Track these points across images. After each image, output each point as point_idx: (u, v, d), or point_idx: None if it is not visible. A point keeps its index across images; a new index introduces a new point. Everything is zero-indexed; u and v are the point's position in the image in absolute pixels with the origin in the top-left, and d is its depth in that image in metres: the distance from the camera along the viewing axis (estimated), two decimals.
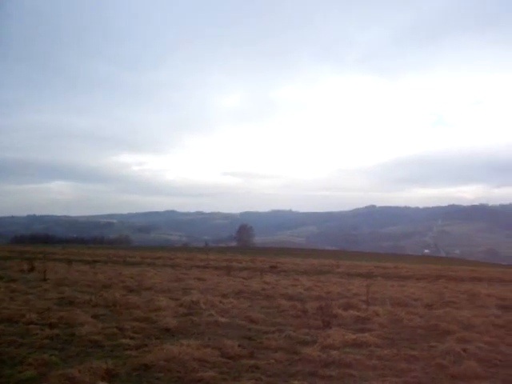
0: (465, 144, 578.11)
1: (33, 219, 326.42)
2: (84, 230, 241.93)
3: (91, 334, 10.93)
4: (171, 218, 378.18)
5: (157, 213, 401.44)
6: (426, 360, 9.90)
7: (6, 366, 8.56)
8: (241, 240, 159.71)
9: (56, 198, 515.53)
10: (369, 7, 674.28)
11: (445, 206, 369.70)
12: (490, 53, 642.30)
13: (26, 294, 17.63)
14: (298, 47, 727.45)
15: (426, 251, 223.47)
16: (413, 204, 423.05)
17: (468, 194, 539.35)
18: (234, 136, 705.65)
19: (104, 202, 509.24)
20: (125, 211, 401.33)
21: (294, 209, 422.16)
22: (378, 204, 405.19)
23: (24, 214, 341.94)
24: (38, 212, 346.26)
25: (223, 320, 13.54)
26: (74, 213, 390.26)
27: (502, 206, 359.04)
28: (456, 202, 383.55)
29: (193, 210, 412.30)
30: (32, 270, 28.06)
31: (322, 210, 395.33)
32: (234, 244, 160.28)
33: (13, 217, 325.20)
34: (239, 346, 10.38)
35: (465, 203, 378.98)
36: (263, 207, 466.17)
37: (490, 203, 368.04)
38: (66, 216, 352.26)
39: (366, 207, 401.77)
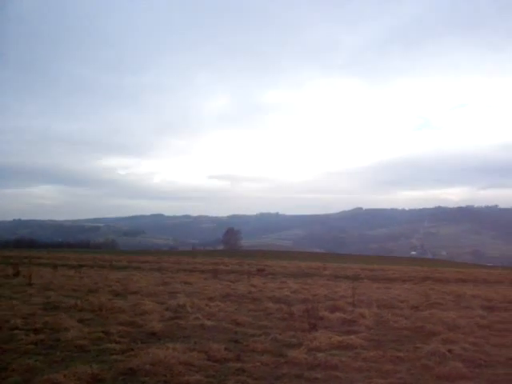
0: (450, 146, 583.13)
1: (18, 224, 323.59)
2: (70, 235, 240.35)
3: (77, 339, 10.86)
4: (158, 222, 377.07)
5: (143, 216, 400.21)
6: (412, 361, 9.95)
7: None
8: (228, 243, 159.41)
9: (41, 202, 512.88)
10: (355, 11, 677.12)
11: (431, 208, 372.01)
12: (474, 56, 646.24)
13: (11, 299, 17.48)
14: (284, 51, 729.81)
15: (413, 253, 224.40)
16: (399, 206, 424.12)
17: (454, 195, 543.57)
18: (221, 139, 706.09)
19: (90, 206, 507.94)
20: (111, 215, 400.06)
21: (281, 212, 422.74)
22: (365, 206, 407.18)
23: (9, 218, 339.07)
24: (23, 216, 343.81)
25: (209, 323, 13.53)
26: (60, 217, 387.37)
27: (488, 208, 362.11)
28: (442, 204, 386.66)
29: (180, 213, 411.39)
30: (17, 274, 27.87)
31: (308, 213, 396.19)
32: (221, 247, 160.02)
33: None
34: (225, 349, 10.37)
35: (451, 205, 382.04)
36: (250, 210, 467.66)
37: (476, 205, 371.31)
38: (51, 220, 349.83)
39: (352, 210, 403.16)
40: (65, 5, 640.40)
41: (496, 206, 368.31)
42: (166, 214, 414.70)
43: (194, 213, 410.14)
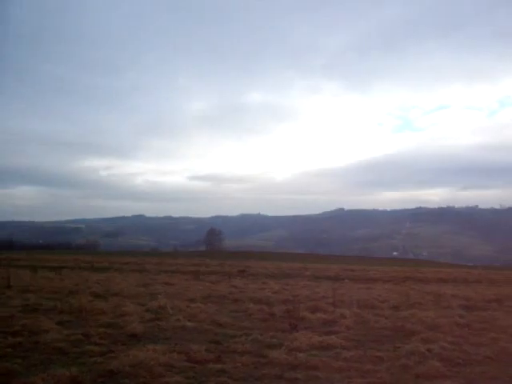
0: (431, 148, 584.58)
1: None
2: (50, 236, 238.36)
3: (56, 342, 10.78)
4: (139, 223, 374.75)
5: (125, 217, 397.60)
6: (392, 361, 10.01)
7: None
8: (209, 244, 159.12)
9: (21, 203, 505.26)
10: (335, 13, 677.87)
11: (412, 209, 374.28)
12: (454, 58, 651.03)
13: None
14: (266, 52, 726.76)
15: (395, 253, 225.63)
16: (381, 207, 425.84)
17: (435, 196, 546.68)
18: (203, 140, 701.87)
19: (71, 207, 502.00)
20: (92, 216, 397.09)
21: (263, 212, 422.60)
22: (347, 207, 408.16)
23: None
24: (2, 218, 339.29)
25: (190, 324, 13.51)
26: (40, 218, 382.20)
27: (468, 208, 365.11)
28: (423, 205, 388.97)
29: (161, 214, 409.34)
30: None
31: (290, 214, 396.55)
32: (202, 248, 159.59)
33: None
34: (206, 350, 10.36)
35: (432, 206, 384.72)
36: (232, 211, 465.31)
37: (457, 205, 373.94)
38: (31, 222, 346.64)
39: (334, 210, 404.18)
40: (43, 3, 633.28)
41: (476, 206, 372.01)
42: (148, 214, 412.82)
43: (176, 214, 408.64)
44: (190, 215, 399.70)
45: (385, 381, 8.65)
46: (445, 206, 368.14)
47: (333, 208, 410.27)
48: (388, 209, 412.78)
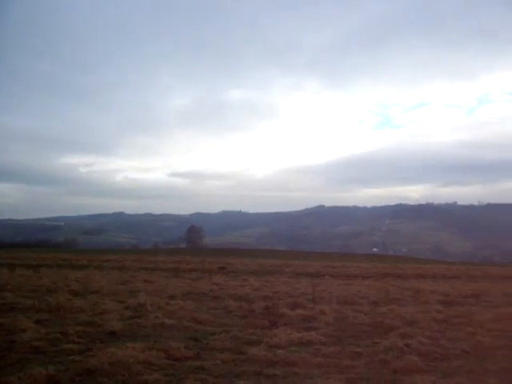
0: (411, 145, 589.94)
1: None
2: (30, 234, 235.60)
3: (33, 340, 10.67)
4: (120, 220, 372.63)
5: (105, 215, 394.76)
6: (370, 356, 10.09)
7: None
8: (190, 241, 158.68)
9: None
10: (316, 12, 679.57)
11: (392, 205, 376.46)
12: (435, 56, 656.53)
13: None
14: (247, 50, 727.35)
15: (375, 250, 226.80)
16: (361, 203, 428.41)
17: (415, 193, 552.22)
18: (183, 137, 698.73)
19: (51, 204, 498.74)
20: (72, 213, 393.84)
21: (244, 209, 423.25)
22: (328, 204, 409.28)
23: None
24: None
25: (169, 322, 13.46)
26: (20, 216, 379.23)
27: (447, 205, 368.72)
28: (403, 202, 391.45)
29: (142, 211, 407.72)
30: None
31: (271, 211, 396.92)
32: (183, 245, 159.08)
33: None
34: (185, 347, 10.33)
35: (412, 202, 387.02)
36: (213, 208, 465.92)
37: (436, 202, 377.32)
38: (10, 219, 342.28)
39: (315, 207, 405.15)
40: (32, 1, 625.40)
41: (455, 202, 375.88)
42: (128, 212, 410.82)
43: (157, 211, 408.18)
44: (170, 212, 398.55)
45: (363, 376, 8.70)
46: (424, 203, 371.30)
47: (313, 205, 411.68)
48: (368, 205, 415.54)
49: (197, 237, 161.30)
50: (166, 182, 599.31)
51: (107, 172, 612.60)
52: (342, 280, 31.77)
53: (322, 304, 17.34)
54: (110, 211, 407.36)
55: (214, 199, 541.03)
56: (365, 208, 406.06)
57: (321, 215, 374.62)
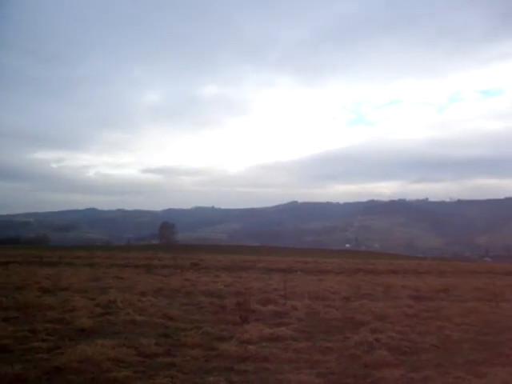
0: (383, 141, 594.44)
1: None
2: None
3: (0, 339, 10.49)
4: (92, 217, 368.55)
5: (77, 211, 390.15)
6: (341, 351, 10.17)
7: None
8: (163, 237, 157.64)
9: None
10: (289, 7, 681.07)
11: (365, 202, 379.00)
12: (406, 54, 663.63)
13: None
14: (221, 46, 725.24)
15: (348, 245, 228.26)
16: (334, 200, 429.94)
17: (386, 189, 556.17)
18: (156, 133, 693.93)
19: (20, 200, 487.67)
20: (43, 210, 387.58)
21: (217, 205, 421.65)
22: (300, 200, 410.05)
23: None
24: None
25: (140, 318, 13.38)
26: None
27: (419, 201, 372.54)
28: (375, 198, 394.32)
29: (114, 207, 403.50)
30: None
31: (244, 207, 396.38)
32: (155, 242, 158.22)
33: None
34: (156, 344, 10.30)
35: (384, 198, 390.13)
36: (185, 204, 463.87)
37: (408, 198, 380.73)
38: None
39: (288, 203, 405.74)
40: None
41: (426, 199, 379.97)
42: (100, 208, 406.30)
43: (129, 207, 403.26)
44: (143, 208, 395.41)
45: (333, 371, 8.77)
46: (396, 199, 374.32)
47: (286, 201, 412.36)
48: (341, 202, 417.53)
49: (169, 233, 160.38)
50: (139, 177, 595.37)
51: (79, 168, 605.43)
52: (314, 276, 31.92)
53: (294, 299, 17.42)
54: (82, 207, 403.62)
55: (186, 195, 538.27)
56: (337, 204, 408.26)
57: (294, 211, 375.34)
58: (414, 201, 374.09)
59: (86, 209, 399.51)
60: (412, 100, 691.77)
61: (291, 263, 45.28)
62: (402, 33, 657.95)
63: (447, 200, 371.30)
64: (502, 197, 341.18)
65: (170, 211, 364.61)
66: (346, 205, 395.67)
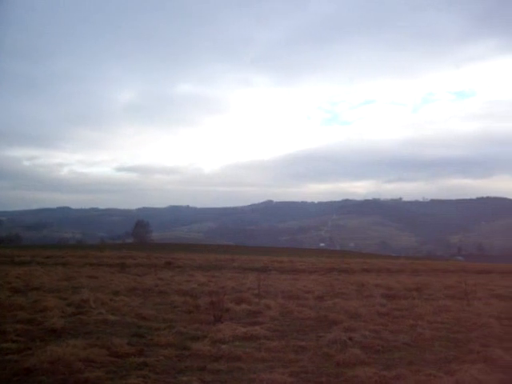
0: (358, 141, 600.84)
1: None
2: None
3: None
4: (65, 215, 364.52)
5: (49, 209, 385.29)
6: (314, 350, 10.22)
7: None
8: (137, 236, 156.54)
9: None
10: (267, 8, 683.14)
11: (339, 201, 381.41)
12: (380, 55, 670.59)
13: None
14: (196, 44, 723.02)
15: (322, 245, 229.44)
16: (309, 199, 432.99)
17: (361, 188, 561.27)
18: (131, 131, 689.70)
19: None
20: (14, 208, 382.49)
21: (192, 204, 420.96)
22: (275, 199, 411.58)
23: None
24: None
25: (113, 318, 13.27)
26: None
27: (393, 201, 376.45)
28: (350, 197, 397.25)
29: (88, 206, 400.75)
30: None
31: (219, 206, 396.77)
32: (130, 241, 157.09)
33: None
34: (128, 343, 10.23)
35: (358, 198, 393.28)
36: (160, 203, 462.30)
37: (382, 198, 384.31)
38: None
39: (263, 202, 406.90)
40: None
41: (400, 198, 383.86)
42: (74, 206, 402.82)
43: (103, 205, 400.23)
44: (117, 207, 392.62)
45: (307, 370, 8.80)
46: (370, 198, 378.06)
47: (261, 200, 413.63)
48: (316, 201, 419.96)
49: (144, 232, 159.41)
50: (113, 176, 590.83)
51: (52, 165, 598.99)
52: (289, 275, 31.98)
53: (268, 299, 17.45)
54: (55, 206, 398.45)
55: (161, 194, 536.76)
56: (312, 203, 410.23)
57: (269, 210, 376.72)
58: (388, 200, 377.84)
59: (59, 207, 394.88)
60: (387, 100, 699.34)
61: (266, 262, 45.24)
62: (377, 34, 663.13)
63: (421, 200, 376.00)
64: (474, 197, 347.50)
65: (144, 210, 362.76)
66: (321, 204, 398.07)
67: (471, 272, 40.34)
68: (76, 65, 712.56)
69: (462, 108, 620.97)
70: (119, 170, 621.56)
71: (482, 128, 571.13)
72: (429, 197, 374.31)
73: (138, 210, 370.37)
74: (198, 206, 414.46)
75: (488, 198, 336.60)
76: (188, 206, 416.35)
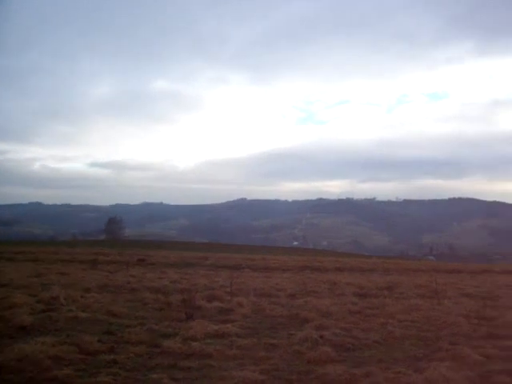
0: (333, 140, 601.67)
1: None
2: None
3: None
4: (36, 211, 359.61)
5: (21, 205, 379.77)
6: (285, 347, 10.26)
7: None
8: (110, 233, 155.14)
9: None
10: (242, 5, 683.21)
11: (313, 200, 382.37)
12: (356, 55, 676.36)
13: None
14: (172, 41, 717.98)
15: (296, 243, 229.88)
16: (283, 197, 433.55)
17: (335, 188, 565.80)
18: (105, 127, 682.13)
19: None
20: None
21: (166, 201, 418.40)
22: (250, 197, 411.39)
23: None
24: None
25: (84, 315, 13.14)
26: None
27: (366, 200, 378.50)
28: (324, 196, 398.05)
29: (60, 202, 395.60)
30: None
31: (193, 203, 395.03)
32: (102, 237, 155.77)
33: None
34: (99, 341, 10.16)
35: (332, 197, 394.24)
36: (134, 200, 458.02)
37: (356, 197, 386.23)
38: None
39: (237, 200, 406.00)
40: None
41: (374, 198, 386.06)
42: (46, 202, 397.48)
43: (76, 201, 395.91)
44: (90, 203, 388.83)
45: (277, 367, 8.85)
46: (344, 198, 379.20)
47: (235, 198, 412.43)
48: (290, 199, 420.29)
49: (117, 228, 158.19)
50: (86, 172, 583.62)
51: (24, 160, 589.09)
52: (262, 273, 32.02)
53: (240, 296, 17.43)
54: (26, 201, 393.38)
55: (135, 190, 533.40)
56: (286, 202, 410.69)
57: (242, 208, 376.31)
58: (361, 200, 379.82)
59: (31, 203, 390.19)
60: (362, 100, 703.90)
61: (239, 260, 45.23)
62: (353, 34, 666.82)
63: (394, 200, 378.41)
64: (446, 197, 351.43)
65: (117, 206, 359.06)
66: (295, 202, 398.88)
67: (442, 271, 40.79)
68: (49, 58, 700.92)
69: (436, 110, 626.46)
70: (93, 165, 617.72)
71: (455, 130, 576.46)
72: (402, 197, 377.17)
73: (112, 206, 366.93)
74: (172, 202, 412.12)
75: (460, 198, 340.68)
76: (162, 203, 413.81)
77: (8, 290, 17.59)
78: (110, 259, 41.16)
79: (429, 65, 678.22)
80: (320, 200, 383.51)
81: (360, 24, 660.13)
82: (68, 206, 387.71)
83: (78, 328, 11.67)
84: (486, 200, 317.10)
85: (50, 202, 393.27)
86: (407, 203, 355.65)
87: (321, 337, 10.98)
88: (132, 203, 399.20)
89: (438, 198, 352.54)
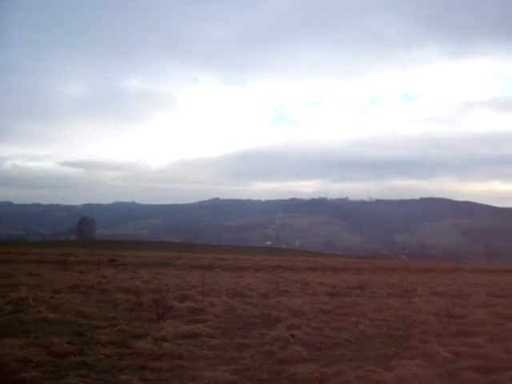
0: (306, 140, 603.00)
1: None
2: None
3: None
4: (5, 211, 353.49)
5: None
6: (256, 347, 10.26)
7: None
8: (81, 233, 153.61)
9: None
10: (218, 4, 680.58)
11: (286, 200, 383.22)
12: (330, 56, 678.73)
13: None
14: (144, 40, 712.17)
15: (268, 243, 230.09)
16: (256, 197, 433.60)
17: (308, 188, 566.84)
18: (76, 126, 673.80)
19: None
20: None
21: (138, 201, 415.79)
22: (222, 197, 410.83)
23: None
24: None
25: (53, 316, 12.95)
26: None
27: (339, 200, 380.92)
28: (297, 196, 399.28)
29: (30, 201, 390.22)
30: None
31: (166, 203, 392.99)
32: (73, 237, 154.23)
33: None
34: (68, 342, 10.00)
35: (305, 197, 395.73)
36: (106, 199, 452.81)
37: (328, 197, 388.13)
38: None
39: (210, 200, 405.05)
40: None
41: (346, 198, 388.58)
42: (16, 202, 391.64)
43: (46, 201, 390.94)
44: (61, 203, 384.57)
45: (249, 367, 8.84)
46: (317, 198, 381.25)
47: (208, 197, 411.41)
48: (263, 199, 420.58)
49: (88, 228, 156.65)
50: (57, 171, 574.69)
51: None
52: (234, 272, 32.03)
53: (212, 296, 17.44)
54: None
55: (106, 190, 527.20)
56: (259, 201, 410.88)
57: (215, 208, 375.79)
58: (334, 199, 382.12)
59: (1, 202, 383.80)
60: (335, 101, 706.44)
61: (211, 260, 45.19)
62: (327, 34, 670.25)
63: (366, 199, 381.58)
64: (417, 197, 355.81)
65: (89, 206, 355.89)
66: (268, 202, 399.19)
67: (413, 271, 41.34)
68: (18, 57, 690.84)
69: (408, 110, 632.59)
70: (64, 164, 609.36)
71: (426, 130, 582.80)
72: (374, 196, 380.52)
73: (83, 205, 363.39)
74: (144, 202, 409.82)
75: (431, 198, 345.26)
76: (134, 203, 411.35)
77: None
78: (81, 259, 40.79)
79: (402, 66, 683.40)
80: (293, 200, 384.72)
81: (333, 25, 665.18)
82: (39, 205, 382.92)
83: (46, 329, 11.50)
84: (457, 200, 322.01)
85: (20, 202, 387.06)
86: (379, 203, 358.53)
87: (292, 336, 11.02)
88: (104, 203, 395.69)
89: (409, 197, 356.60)
